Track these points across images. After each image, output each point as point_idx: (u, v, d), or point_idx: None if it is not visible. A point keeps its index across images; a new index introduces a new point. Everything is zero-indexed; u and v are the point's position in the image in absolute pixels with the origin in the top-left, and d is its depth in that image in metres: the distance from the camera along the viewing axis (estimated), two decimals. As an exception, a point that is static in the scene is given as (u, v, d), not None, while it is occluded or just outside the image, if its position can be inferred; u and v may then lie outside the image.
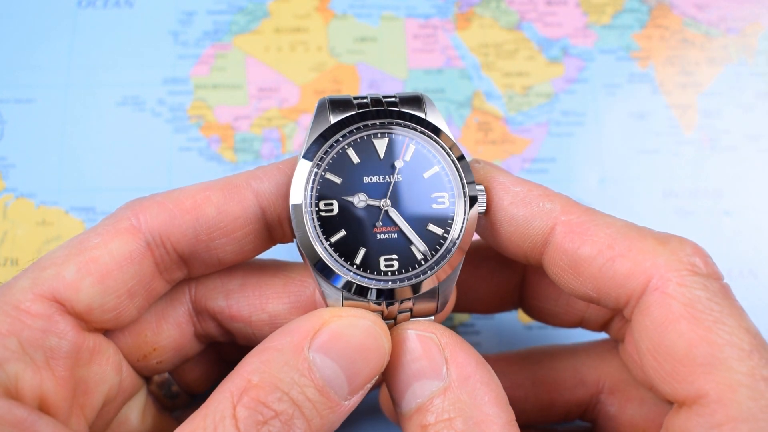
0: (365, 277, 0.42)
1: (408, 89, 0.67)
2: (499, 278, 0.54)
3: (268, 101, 0.66)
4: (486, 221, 0.45)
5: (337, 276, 0.42)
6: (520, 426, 0.41)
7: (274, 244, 0.47)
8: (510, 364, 0.54)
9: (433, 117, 0.45)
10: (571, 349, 0.53)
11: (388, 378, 0.42)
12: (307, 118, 0.66)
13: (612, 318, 0.50)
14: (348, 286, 0.42)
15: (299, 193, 0.43)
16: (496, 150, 0.66)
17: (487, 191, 0.45)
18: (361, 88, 0.67)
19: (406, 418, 0.41)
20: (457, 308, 0.54)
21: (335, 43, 0.68)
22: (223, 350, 0.53)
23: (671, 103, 0.67)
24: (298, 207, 0.43)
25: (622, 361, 0.51)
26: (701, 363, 0.37)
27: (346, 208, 0.43)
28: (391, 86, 0.67)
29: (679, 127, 0.67)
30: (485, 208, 0.44)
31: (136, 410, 0.48)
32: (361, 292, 0.42)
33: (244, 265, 0.48)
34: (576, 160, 0.66)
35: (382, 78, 0.67)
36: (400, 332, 0.42)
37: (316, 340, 0.39)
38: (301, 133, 0.65)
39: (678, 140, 0.67)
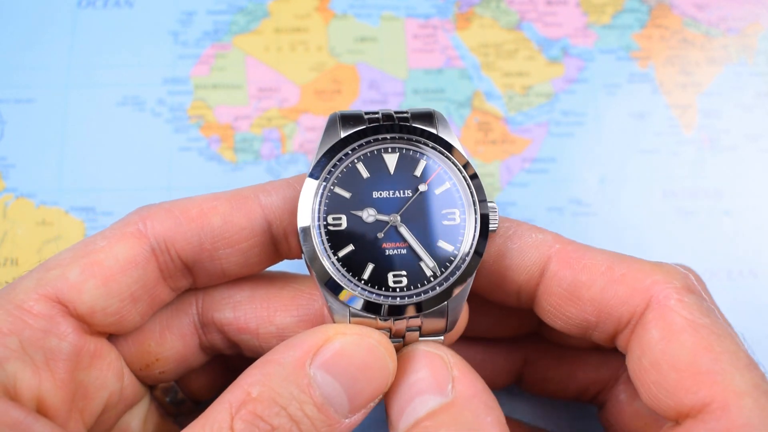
0: (373, 293, 0.42)
1: (408, 89, 0.67)
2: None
3: (268, 101, 0.66)
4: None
5: (345, 291, 0.42)
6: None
7: (281, 260, 0.47)
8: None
9: (444, 133, 0.45)
10: None
11: (389, 396, 0.42)
12: (308, 118, 0.66)
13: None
14: (355, 301, 0.42)
15: (307, 208, 0.42)
16: (496, 150, 0.66)
17: None
18: (361, 88, 0.67)
19: None
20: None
21: (335, 43, 0.68)
22: (229, 359, 0.53)
23: (671, 103, 0.67)
24: (305, 221, 0.42)
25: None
26: (705, 371, 0.38)
27: (354, 222, 0.43)
28: (392, 86, 0.67)
29: (679, 127, 0.67)
30: (497, 225, 0.44)
31: (138, 418, 0.48)
32: (369, 308, 0.42)
33: (252, 277, 0.48)
34: (576, 160, 0.66)
35: (382, 78, 0.67)
36: (407, 350, 0.42)
37: (319, 357, 0.39)
38: (301, 133, 0.65)
39: (678, 140, 0.67)
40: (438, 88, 0.67)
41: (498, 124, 0.66)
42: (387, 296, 0.42)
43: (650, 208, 0.65)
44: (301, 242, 0.42)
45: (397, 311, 0.42)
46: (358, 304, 0.42)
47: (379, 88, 0.66)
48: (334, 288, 0.42)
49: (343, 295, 0.42)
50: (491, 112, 0.67)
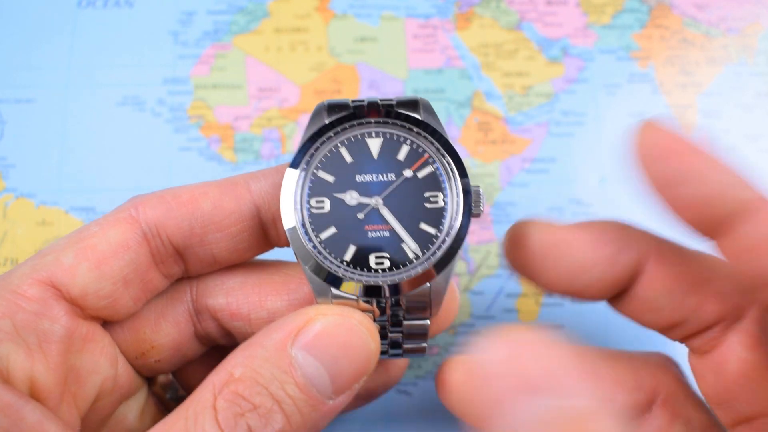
0: (354, 274, 0.43)
1: (408, 89, 0.67)
2: (623, 263, 0.47)
3: (268, 101, 0.66)
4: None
5: (327, 273, 0.42)
6: None
7: (271, 248, 0.48)
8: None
9: (428, 119, 0.45)
10: (628, 354, 0.50)
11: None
12: (308, 118, 0.66)
13: (714, 325, 0.45)
14: (336, 282, 0.42)
15: (290, 192, 0.43)
16: (496, 150, 0.66)
17: None
18: (361, 89, 0.67)
19: None
20: (563, 291, 0.46)
21: (335, 43, 0.68)
22: (227, 354, 0.53)
23: (671, 103, 0.67)
24: (288, 203, 0.43)
25: (695, 372, 0.46)
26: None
27: (337, 205, 0.44)
28: (392, 86, 0.67)
29: (679, 127, 0.67)
30: (481, 210, 0.44)
31: (135, 409, 0.48)
32: (349, 288, 0.42)
33: (245, 265, 0.48)
34: (576, 160, 0.66)
35: (382, 78, 0.67)
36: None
37: (300, 338, 0.39)
38: (301, 133, 0.65)
39: (678, 140, 0.67)
40: (438, 88, 0.67)
41: (498, 124, 0.66)
42: (369, 277, 0.43)
43: (650, 208, 0.65)
44: (284, 224, 0.43)
45: (377, 292, 0.42)
46: (339, 285, 0.42)
47: (379, 88, 0.67)
48: (315, 269, 0.42)
49: (324, 277, 0.42)
50: (491, 112, 0.67)
